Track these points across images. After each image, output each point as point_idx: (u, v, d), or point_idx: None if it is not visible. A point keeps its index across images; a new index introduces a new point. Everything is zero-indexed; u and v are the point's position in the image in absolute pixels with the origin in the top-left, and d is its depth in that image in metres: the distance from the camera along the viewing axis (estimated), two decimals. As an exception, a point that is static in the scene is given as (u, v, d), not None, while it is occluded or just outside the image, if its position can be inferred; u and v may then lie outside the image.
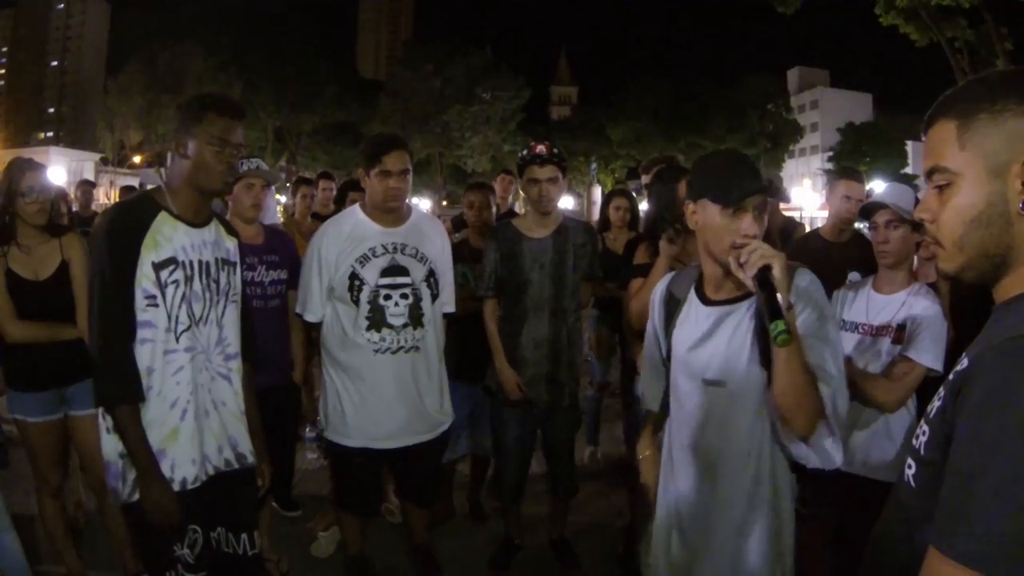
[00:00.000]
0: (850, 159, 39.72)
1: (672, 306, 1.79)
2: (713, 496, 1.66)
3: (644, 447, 1.98)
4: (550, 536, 3.35)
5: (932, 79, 25.77)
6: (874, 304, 2.42)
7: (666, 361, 1.82)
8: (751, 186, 1.56)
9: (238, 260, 2.17)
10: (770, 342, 1.41)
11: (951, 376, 0.94)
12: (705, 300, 1.70)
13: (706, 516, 1.67)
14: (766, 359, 1.52)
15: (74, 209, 6.19)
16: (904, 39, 19.02)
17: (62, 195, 3.71)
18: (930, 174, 0.96)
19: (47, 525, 2.90)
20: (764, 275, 1.43)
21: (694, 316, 1.71)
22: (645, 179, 3.33)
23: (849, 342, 2.42)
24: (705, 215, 1.61)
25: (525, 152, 3.00)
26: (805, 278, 1.58)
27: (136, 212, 1.95)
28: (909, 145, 47.47)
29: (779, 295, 1.42)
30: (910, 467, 1.00)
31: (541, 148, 2.97)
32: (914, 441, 1.00)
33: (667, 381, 1.82)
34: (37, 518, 2.94)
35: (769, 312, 1.41)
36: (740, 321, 1.62)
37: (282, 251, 3.07)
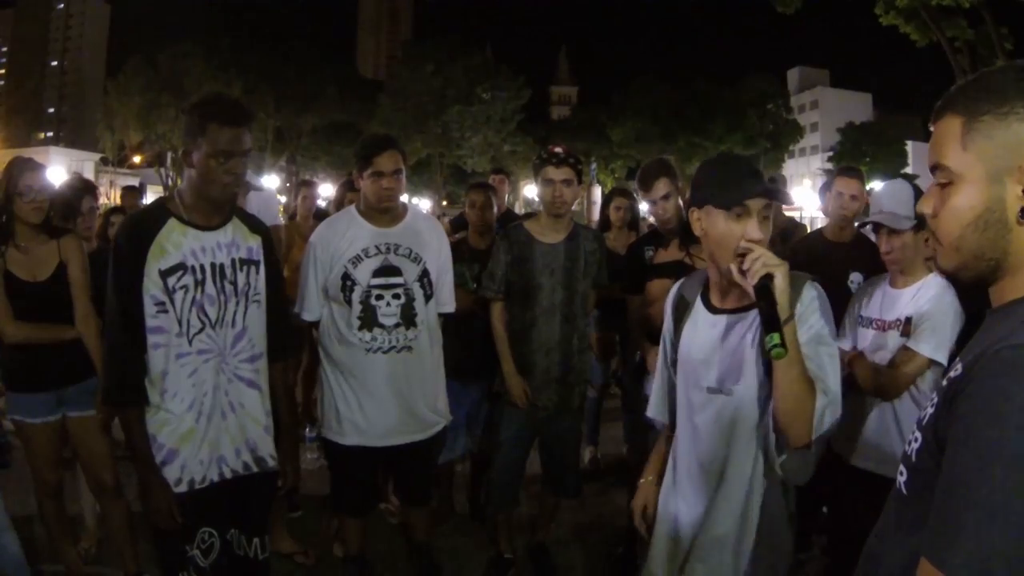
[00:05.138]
0: (850, 159, 39.60)
1: (681, 309, 1.77)
2: (712, 503, 1.65)
3: (649, 470, 1.92)
4: (529, 543, 3.29)
5: (932, 79, 25.88)
6: (888, 299, 2.43)
7: (672, 367, 1.81)
8: (754, 187, 1.55)
9: (262, 259, 2.15)
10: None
11: (944, 382, 0.93)
12: (711, 307, 1.69)
13: (705, 521, 1.66)
14: (769, 368, 1.52)
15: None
16: (904, 39, 19.02)
17: (89, 189, 3.63)
18: (933, 169, 0.95)
19: (47, 525, 2.89)
20: (765, 284, 1.43)
21: (700, 323, 1.70)
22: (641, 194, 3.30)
23: (864, 338, 2.44)
24: (709, 221, 1.59)
25: (542, 153, 3.00)
26: (813, 291, 1.57)
27: (144, 222, 2.00)
28: (909, 145, 47.44)
29: (779, 306, 1.42)
30: (902, 474, 0.99)
31: (559, 149, 2.97)
32: (907, 447, 0.99)
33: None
34: (37, 518, 2.94)
35: (765, 323, 1.41)
36: (746, 331, 1.61)
37: None
